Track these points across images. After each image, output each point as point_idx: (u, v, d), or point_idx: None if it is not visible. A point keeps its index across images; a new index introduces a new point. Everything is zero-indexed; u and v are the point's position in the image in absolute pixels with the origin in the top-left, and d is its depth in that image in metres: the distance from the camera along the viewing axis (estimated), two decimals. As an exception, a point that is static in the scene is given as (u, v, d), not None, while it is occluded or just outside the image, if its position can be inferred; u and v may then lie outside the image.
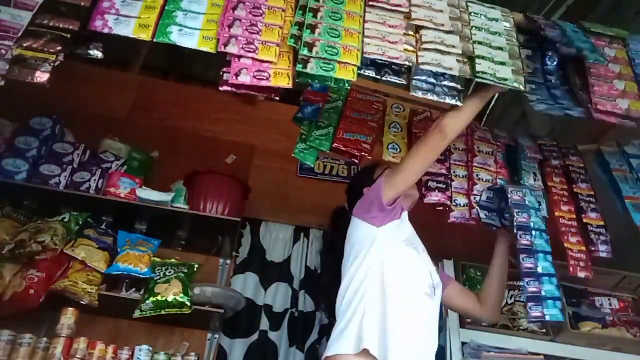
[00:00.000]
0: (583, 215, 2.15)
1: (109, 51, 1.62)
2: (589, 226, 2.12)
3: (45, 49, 1.49)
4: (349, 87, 1.60)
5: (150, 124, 3.22)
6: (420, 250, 1.79)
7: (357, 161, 2.15)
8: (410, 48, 1.66)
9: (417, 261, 1.74)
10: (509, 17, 1.90)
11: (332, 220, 2.08)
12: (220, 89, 1.55)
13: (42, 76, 1.46)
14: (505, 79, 1.67)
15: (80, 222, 2.46)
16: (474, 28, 1.80)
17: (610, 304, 2.66)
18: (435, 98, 1.67)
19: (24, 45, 1.48)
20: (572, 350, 2.40)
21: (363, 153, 2.10)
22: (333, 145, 2.12)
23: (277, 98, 1.61)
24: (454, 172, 2.20)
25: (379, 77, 1.65)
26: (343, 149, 2.12)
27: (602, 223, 2.14)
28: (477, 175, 2.19)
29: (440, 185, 2.13)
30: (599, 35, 1.95)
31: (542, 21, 1.86)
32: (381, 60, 1.62)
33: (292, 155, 2.16)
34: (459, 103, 1.69)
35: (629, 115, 1.76)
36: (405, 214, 1.83)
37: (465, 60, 1.68)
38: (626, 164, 2.21)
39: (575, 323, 2.44)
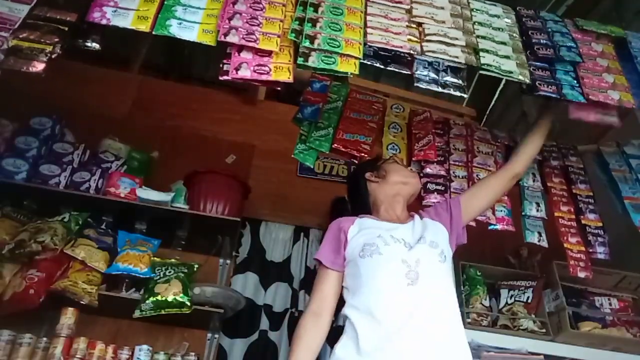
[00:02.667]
0: (582, 217, 2.15)
1: (109, 50, 1.62)
2: (587, 227, 2.12)
3: (42, 40, 1.47)
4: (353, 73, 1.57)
5: (150, 124, 3.21)
6: (387, 239, 1.61)
7: (356, 162, 2.15)
8: (414, 39, 1.66)
9: (382, 263, 1.57)
10: (510, 14, 1.91)
11: (331, 211, 2.02)
12: (220, 78, 1.54)
13: (37, 66, 1.44)
14: (511, 72, 1.67)
15: (80, 222, 2.46)
16: (476, 23, 1.80)
17: (610, 304, 2.66)
18: (439, 89, 1.65)
19: (21, 36, 1.46)
20: (572, 350, 2.39)
21: (363, 154, 2.10)
22: (333, 146, 2.12)
23: (279, 88, 1.60)
24: (453, 172, 2.19)
25: (383, 67, 1.63)
26: (343, 149, 2.12)
27: (600, 224, 2.14)
28: (477, 175, 2.18)
29: (439, 187, 2.13)
30: (587, 31, 1.95)
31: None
32: (385, 49, 1.61)
33: (292, 156, 2.16)
34: (464, 95, 1.68)
35: (621, 105, 1.75)
36: (353, 227, 1.69)
37: (470, 51, 1.68)
38: (625, 164, 2.21)
39: (575, 323, 2.43)
